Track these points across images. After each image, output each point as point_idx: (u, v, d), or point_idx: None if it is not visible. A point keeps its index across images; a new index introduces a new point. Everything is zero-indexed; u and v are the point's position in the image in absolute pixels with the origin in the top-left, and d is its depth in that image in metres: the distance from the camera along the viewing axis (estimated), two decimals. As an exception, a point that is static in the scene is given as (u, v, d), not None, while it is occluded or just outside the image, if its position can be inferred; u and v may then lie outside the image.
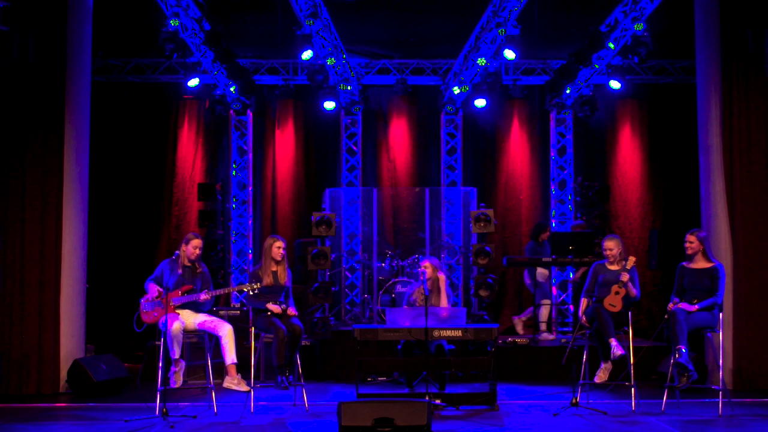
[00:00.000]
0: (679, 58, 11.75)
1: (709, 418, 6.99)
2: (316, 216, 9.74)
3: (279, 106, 12.36)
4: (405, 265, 10.81)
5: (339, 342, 9.51)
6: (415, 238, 11.80)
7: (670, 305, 7.22)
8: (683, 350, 6.91)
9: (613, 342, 7.23)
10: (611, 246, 7.64)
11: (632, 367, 7.28)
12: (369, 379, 8.78)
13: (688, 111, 9.91)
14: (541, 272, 10.62)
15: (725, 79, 8.59)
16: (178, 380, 7.27)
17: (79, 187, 8.72)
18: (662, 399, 7.21)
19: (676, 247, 8.17)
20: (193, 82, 11.24)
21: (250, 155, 12.36)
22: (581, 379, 7.49)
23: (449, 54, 11.81)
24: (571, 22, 10.55)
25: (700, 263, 7.34)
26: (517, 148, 12.41)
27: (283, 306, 7.58)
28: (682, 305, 7.17)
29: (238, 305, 10.29)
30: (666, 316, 7.13)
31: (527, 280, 10.86)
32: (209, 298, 7.40)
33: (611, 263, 7.63)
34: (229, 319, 9.44)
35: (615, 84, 11.02)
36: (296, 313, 7.69)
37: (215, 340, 7.40)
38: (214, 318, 7.46)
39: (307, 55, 10.14)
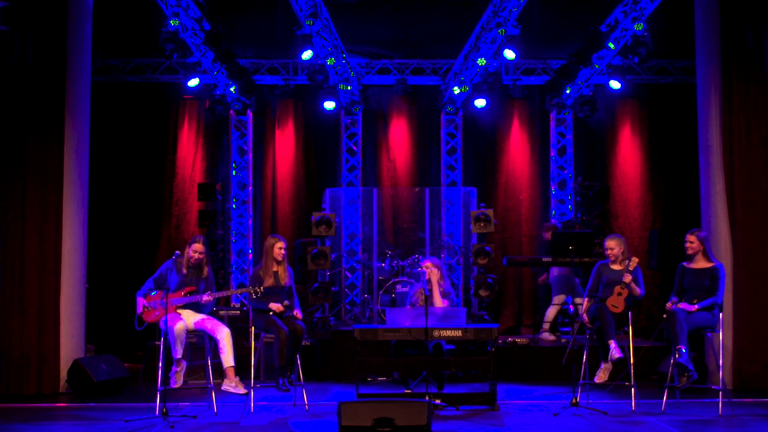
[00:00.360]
0: (679, 58, 11.75)
1: (709, 418, 6.99)
2: (316, 216, 9.75)
3: (279, 106, 12.36)
4: (405, 265, 10.82)
5: (339, 342, 9.51)
6: (415, 238, 11.81)
7: (669, 304, 7.22)
8: (683, 350, 6.91)
9: (613, 344, 7.23)
10: (612, 245, 7.64)
11: (632, 367, 7.28)
12: (369, 379, 8.78)
13: (688, 111, 9.91)
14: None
15: (725, 79, 8.59)
16: (178, 380, 7.27)
17: (79, 187, 8.72)
18: (662, 399, 7.21)
19: (676, 247, 8.17)
20: (193, 82, 11.24)
21: (250, 155, 12.36)
22: (581, 379, 7.49)
23: (449, 54, 11.81)
24: (571, 22, 10.55)
25: (701, 263, 7.34)
26: (517, 148, 12.41)
27: (286, 303, 7.58)
28: (682, 305, 7.17)
29: (237, 305, 10.29)
30: (664, 315, 7.13)
31: (553, 274, 10.60)
32: (211, 299, 7.40)
33: (614, 263, 7.63)
34: (229, 319, 9.47)
35: (615, 84, 11.02)
36: (301, 316, 7.69)
37: (214, 341, 7.39)
38: (212, 319, 7.46)
39: (307, 55, 10.14)
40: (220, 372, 7.34)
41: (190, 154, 12.21)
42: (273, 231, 11.99)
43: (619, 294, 7.35)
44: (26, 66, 8.42)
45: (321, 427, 6.73)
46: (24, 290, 8.29)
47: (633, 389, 7.26)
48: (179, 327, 7.15)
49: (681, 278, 7.39)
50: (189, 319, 7.33)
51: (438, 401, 7.23)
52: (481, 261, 9.85)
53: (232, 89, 11.44)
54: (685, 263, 7.44)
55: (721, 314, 7.26)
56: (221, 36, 10.03)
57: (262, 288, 7.35)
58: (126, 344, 10.58)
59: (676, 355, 6.93)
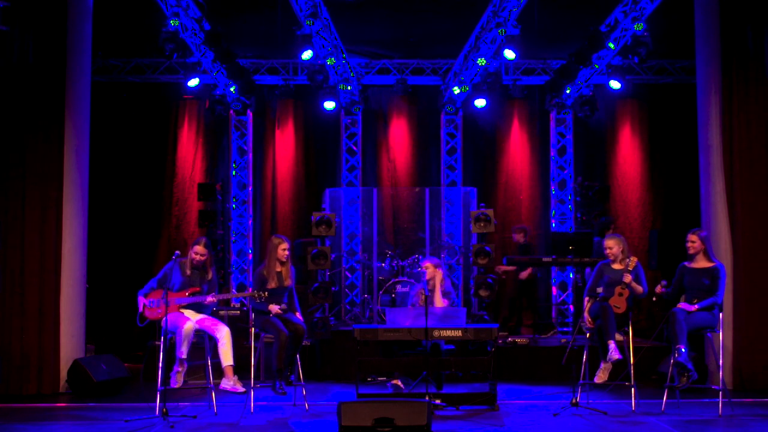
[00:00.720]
0: (679, 58, 11.75)
1: (709, 418, 6.98)
2: (316, 216, 9.75)
3: (279, 106, 12.36)
4: (405, 265, 10.81)
5: (339, 342, 9.51)
6: (415, 238, 11.81)
7: (658, 287, 7.23)
8: (683, 350, 6.91)
9: (612, 344, 7.23)
10: (611, 245, 7.64)
11: (632, 367, 7.27)
12: (369, 379, 8.78)
13: (688, 111, 9.90)
14: None
15: (725, 79, 8.58)
16: (179, 380, 7.27)
17: (79, 187, 8.72)
18: (662, 399, 7.21)
19: (676, 247, 8.18)
20: (193, 82, 11.24)
21: (250, 155, 12.36)
22: (581, 379, 7.48)
23: (449, 54, 11.81)
24: (571, 22, 10.55)
25: (702, 263, 7.34)
26: (517, 148, 12.41)
27: (283, 307, 7.58)
28: (682, 305, 7.18)
29: (237, 305, 10.28)
30: (662, 313, 7.14)
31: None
32: (215, 301, 7.42)
33: (614, 262, 7.62)
34: (229, 319, 9.46)
35: (615, 84, 11.02)
36: (302, 319, 7.69)
37: (214, 341, 7.40)
38: (212, 319, 7.47)
39: (307, 55, 10.14)
40: (220, 372, 7.35)
41: (190, 154, 12.22)
42: (273, 231, 12.00)
43: (620, 294, 7.35)
44: (26, 66, 8.42)
45: (321, 427, 6.73)
46: (24, 290, 8.28)
47: (633, 389, 7.26)
48: (188, 327, 7.16)
49: (681, 277, 7.39)
50: (191, 318, 7.34)
51: (438, 401, 7.22)
52: (481, 261, 9.84)
53: (232, 89, 11.44)
54: (686, 263, 7.44)
55: (721, 314, 7.26)
56: (221, 36, 10.03)
57: (265, 293, 7.34)
58: (126, 344, 10.57)
59: (676, 354, 6.94)
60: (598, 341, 7.47)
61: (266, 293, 7.34)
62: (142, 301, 7.35)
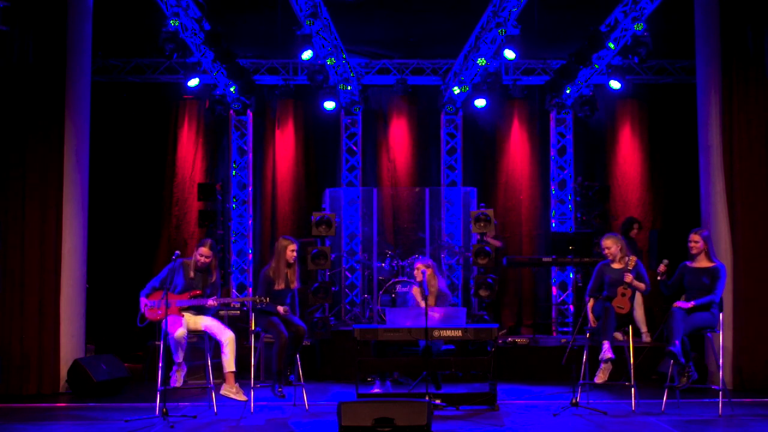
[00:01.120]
0: (679, 58, 11.74)
1: (709, 418, 6.99)
2: (316, 216, 9.75)
3: (279, 106, 12.35)
4: (405, 265, 10.81)
5: (339, 342, 9.51)
6: (415, 238, 11.80)
7: (661, 266, 7.23)
8: (676, 343, 6.91)
9: (606, 344, 7.22)
10: (609, 244, 7.63)
11: (632, 367, 7.28)
12: (369, 379, 8.78)
13: (688, 111, 9.91)
14: None
15: (725, 79, 8.59)
16: (178, 379, 7.26)
17: (79, 187, 8.72)
18: (662, 399, 7.21)
19: (676, 247, 8.17)
20: (193, 82, 11.24)
21: (250, 155, 12.36)
22: (581, 379, 7.48)
23: (449, 54, 11.81)
24: (571, 22, 10.55)
25: (702, 262, 7.34)
26: (517, 148, 12.41)
27: (286, 308, 7.58)
28: (679, 303, 7.17)
29: (238, 305, 10.28)
30: (662, 314, 7.14)
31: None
32: (216, 305, 7.40)
33: (614, 262, 7.62)
34: (229, 319, 9.45)
35: (615, 84, 11.02)
36: (303, 325, 7.68)
37: (216, 342, 7.38)
38: (217, 322, 7.44)
39: (307, 55, 10.14)
40: (220, 372, 7.33)
41: (190, 154, 12.21)
42: (273, 231, 12.01)
43: (623, 295, 7.34)
44: (26, 66, 8.42)
45: (321, 427, 6.73)
46: (24, 290, 8.29)
47: (633, 389, 7.26)
48: (179, 333, 7.12)
49: (681, 276, 7.39)
50: (192, 320, 7.32)
51: (438, 401, 7.22)
52: (481, 261, 9.84)
53: (232, 89, 11.44)
54: (687, 262, 7.43)
55: (721, 314, 7.26)
56: (221, 36, 10.02)
57: (267, 299, 7.33)
58: (126, 344, 10.58)
59: (670, 347, 6.93)
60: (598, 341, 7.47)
61: (267, 298, 7.33)
62: (143, 301, 7.34)
